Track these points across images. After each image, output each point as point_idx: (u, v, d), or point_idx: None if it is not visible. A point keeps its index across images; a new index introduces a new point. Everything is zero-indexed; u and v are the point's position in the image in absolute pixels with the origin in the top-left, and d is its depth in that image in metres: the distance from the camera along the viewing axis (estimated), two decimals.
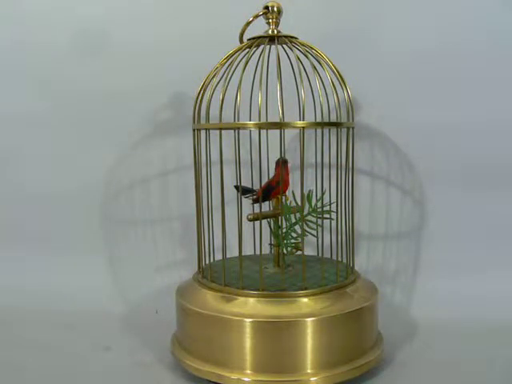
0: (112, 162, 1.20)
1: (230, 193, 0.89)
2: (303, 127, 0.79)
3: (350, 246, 0.90)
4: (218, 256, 0.96)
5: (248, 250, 1.01)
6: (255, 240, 1.01)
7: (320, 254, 0.95)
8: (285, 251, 0.89)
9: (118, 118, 1.18)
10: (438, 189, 1.14)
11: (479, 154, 1.12)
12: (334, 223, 0.89)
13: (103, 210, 1.22)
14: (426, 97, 1.12)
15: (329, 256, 0.98)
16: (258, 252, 1.00)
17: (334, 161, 0.87)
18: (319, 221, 0.87)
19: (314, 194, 0.90)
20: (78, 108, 1.20)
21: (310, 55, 0.86)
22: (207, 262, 0.94)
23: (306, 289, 0.83)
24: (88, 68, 1.18)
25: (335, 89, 0.83)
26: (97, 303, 1.14)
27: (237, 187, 0.90)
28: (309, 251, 1.00)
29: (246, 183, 0.94)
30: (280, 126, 0.80)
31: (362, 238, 1.15)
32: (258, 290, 0.82)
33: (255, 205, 0.94)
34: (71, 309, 1.13)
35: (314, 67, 0.84)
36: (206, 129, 0.86)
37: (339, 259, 0.90)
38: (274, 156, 0.92)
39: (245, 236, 0.88)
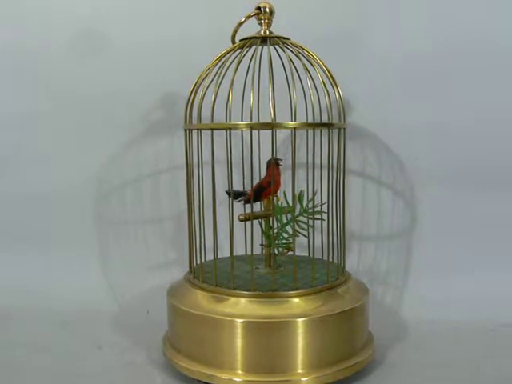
0: (104, 162, 1.19)
1: (222, 193, 0.88)
2: (295, 128, 0.79)
3: (341, 247, 0.89)
4: (210, 256, 0.95)
5: (239, 251, 1.01)
6: (246, 240, 1.00)
7: (311, 255, 0.96)
8: (276, 251, 0.89)
9: (110, 117, 1.18)
10: (429, 190, 1.13)
11: (471, 155, 1.12)
12: (325, 224, 0.88)
13: (95, 209, 1.21)
14: (418, 98, 1.12)
15: (320, 256, 0.97)
16: (249, 252, 1.00)
17: (325, 161, 0.86)
18: (310, 221, 0.86)
19: (306, 194, 0.90)
20: (70, 108, 1.19)
21: (301, 56, 0.85)
22: (198, 262, 0.93)
23: (297, 289, 0.82)
24: (82, 68, 1.17)
25: (327, 90, 0.83)
26: (88, 303, 1.13)
27: (228, 193, 0.89)
28: (300, 252, 0.99)
29: (237, 184, 0.93)
30: (271, 126, 0.79)
31: (354, 239, 1.15)
32: (250, 290, 0.82)
33: (246, 205, 0.93)
34: (62, 308, 1.12)
35: (306, 68, 0.83)
36: (198, 129, 0.85)
37: (330, 260, 0.89)
38: (266, 156, 0.92)
39: (236, 236, 0.87)
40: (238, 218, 0.86)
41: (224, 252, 0.97)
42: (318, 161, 0.85)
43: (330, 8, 1.13)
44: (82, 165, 1.19)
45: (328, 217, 0.87)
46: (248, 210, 0.89)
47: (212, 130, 0.81)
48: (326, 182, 0.86)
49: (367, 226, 1.15)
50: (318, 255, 0.93)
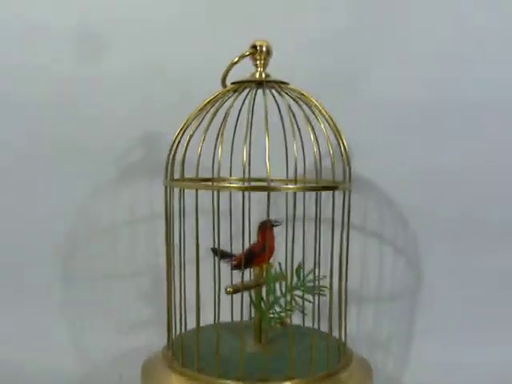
0: (73, 208, 1.02)
1: (206, 254, 0.73)
2: (294, 192, 0.64)
3: (342, 320, 0.74)
4: (191, 319, 0.78)
5: (224, 313, 0.85)
6: (233, 307, 0.85)
7: (305, 323, 0.81)
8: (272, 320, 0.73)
9: (80, 158, 1.01)
10: (434, 246, 0.99)
11: (480, 209, 0.99)
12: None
13: (62, 261, 1.03)
14: (422, 148, 0.98)
15: (316, 322, 0.82)
16: (236, 317, 0.85)
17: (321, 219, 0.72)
18: (310, 296, 0.71)
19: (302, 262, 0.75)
20: (37, 145, 1.01)
21: (303, 105, 0.70)
22: (178, 331, 0.77)
23: (292, 378, 0.67)
24: (58, 103, 1.00)
25: (331, 145, 0.68)
26: (53, 366, 0.96)
27: (214, 250, 0.75)
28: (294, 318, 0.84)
29: (224, 243, 0.78)
30: (268, 189, 0.64)
31: (352, 300, 0.99)
32: (237, 379, 0.66)
33: (235, 275, 0.79)
34: (23, 372, 0.95)
35: (309, 121, 0.68)
36: (180, 188, 0.69)
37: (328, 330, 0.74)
38: (255, 212, 0.77)
39: (222, 300, 0.72)
40: (226, 290, 0.71)
41: (207, 316, 0.82)
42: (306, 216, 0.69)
43: (320, 49, 0.98)
44: (47, 210, 1.01)
45: (330, 284, 0.72)
46: (235, 277, 0.75)
47: (197, 190, 0.66)
48: (328, 243, 0.71)
49: (367, 286, 0.99)
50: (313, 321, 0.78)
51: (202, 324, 0.71)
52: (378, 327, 0.99)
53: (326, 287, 0.70)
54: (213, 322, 0.85)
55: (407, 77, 0.97)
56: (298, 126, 0.73)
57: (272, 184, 0.64)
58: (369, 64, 0.98)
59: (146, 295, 1.01)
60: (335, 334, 0.73)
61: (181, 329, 0.77)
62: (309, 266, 0.74)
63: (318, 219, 0.68)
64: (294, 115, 0.70)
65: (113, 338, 1.00)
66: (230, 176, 0.84)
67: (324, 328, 0.76)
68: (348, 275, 0.72)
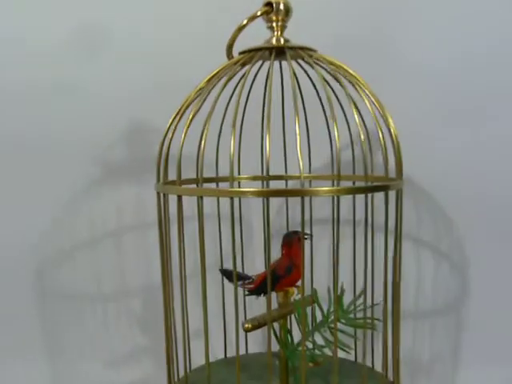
0: (51, 219, 0.81)
1: (209, 270, 0.54)
2: (338, 195, 0.45)
3: (395, 364, 0.55)
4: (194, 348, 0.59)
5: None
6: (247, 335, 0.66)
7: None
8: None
9: (59, 160, 0.80)
10: (483, 251, 0.79)
11: None
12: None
13: (39, 281, 0.83)
14: (471, 131, 0.78)
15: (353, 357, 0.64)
16: (252, 349, 0.66)
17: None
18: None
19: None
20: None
21: (341, 78, 0.51)
22: (180, 366, 0.58)
23: None
24: (36, 99, 0.80)
25: (381, 130, 0.49)
26: None
27: (225, 272, 0.56)
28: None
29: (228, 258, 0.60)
30: (301, 193, 0.45)
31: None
32: None
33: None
34: None
35: (354, 102, 0.49)
36: (178, 195, 0.50)
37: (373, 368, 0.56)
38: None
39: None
40: (243, 327, 0.52)
41: (215, 348, 0.63)
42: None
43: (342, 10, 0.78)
44: (21, 223, 0.81)
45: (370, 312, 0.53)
46: (250, 305, 0.56)
47: (201, 197, 0.47)
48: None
49: (405, 298, 0.80)
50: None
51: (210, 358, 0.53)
52: (418, 347, 0.81)
53: (378, 319, 0.51)
54: (223, 356, 0.67)
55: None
56: (322, 105, 0.53)
57: (298, 185, 0.45)
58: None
59: (138, 320, 0.82)
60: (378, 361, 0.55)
61: (185, 367, 0.58)
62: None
63: (366, 227, 0.49)
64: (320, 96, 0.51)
65: (101, 371, 0.82)
66: (239, 174, 0.65)
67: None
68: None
